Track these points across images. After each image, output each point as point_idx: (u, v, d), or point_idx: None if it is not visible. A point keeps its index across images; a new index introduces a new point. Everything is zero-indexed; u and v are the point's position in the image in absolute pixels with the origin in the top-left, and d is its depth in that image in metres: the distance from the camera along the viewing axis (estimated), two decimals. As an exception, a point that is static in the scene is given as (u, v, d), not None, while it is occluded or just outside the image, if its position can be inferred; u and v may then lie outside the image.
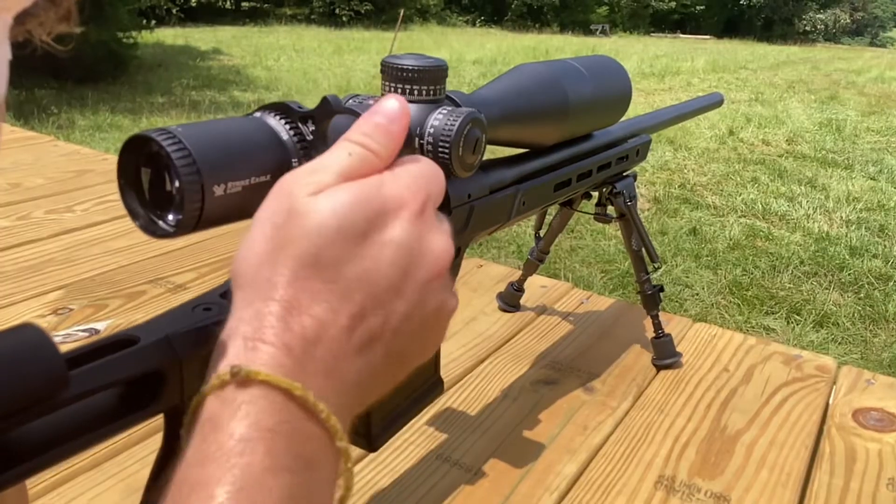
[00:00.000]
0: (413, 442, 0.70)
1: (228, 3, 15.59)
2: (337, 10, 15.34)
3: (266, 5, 16.09)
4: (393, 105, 0.33)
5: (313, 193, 0.30)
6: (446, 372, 0.80)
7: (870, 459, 0.71)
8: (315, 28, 14.52)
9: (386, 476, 0.65)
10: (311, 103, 0.37)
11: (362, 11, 15.40)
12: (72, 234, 1.13)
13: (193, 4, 13.45)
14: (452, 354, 0.86)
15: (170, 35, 10.34)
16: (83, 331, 0.86)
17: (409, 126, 0.34)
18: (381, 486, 0.64)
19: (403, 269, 0.30)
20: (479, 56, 10.23)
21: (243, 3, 16.03)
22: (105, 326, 0.88)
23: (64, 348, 0.27)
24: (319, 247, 0.29)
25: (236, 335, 0.28)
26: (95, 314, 0.90)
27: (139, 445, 0.67)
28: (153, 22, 8.74)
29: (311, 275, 0.29)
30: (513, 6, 19.78)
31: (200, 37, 10.80)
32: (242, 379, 0.27)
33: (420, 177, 0.33)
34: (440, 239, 0.32)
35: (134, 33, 7.07)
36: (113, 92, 6.12)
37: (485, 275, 1.08)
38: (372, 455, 0.67)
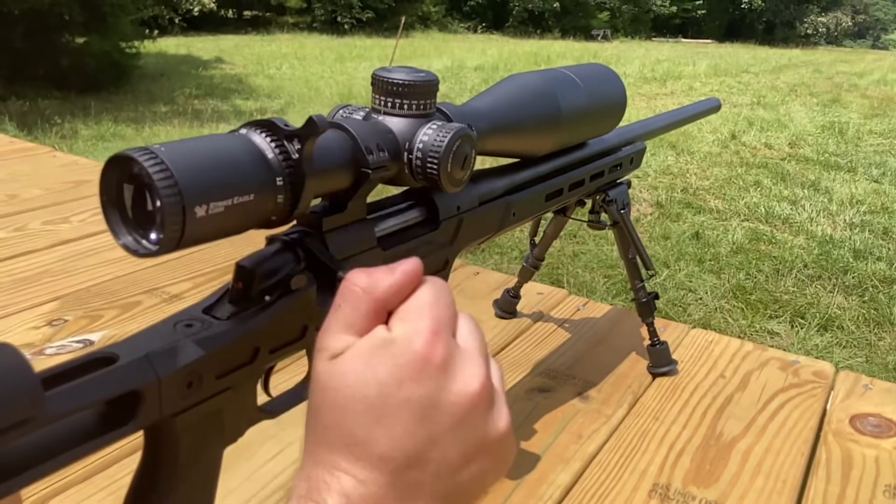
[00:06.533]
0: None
1: (230, 12, 15.64)
2: (339, 18, 15.36)
3: (268, 14, 16.14)
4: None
5: (330, 358, 0.31)
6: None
7: (866, 466, 0.71)
8: (317, 36, 14.55)
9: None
10: (313, 111, 0.37)
11: (364, 19, 15.43)
12: (68, 245, 1.13)
13: (195, 14, 13.47)
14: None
15: (172, 44, 10.37)
16: (77, 342, 0.86)
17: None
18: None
19: (426, 417, 0.30)
20: (480, 62, 10.23)
21: (245, 12, 16.08)
22: (99, 337, 0.87)
23: (58, 360, 0.27)
24: (344, 422, 0.30)
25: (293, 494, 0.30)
26: (90, 325, 0.90)
27: (130, 458, 0.67)
28: (156, 32, 8.77)
29: (337, 447, 0.30)
30: (514, 12, 19.80)
31: (203, 46, 10.83)
32: None
33: (428, 306, 0.32)
34: (465, 373, 0.31)
35: (136, 43, 7.11)
36: (116, 101, 6.14)
37: (481, 282, 1.08)
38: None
